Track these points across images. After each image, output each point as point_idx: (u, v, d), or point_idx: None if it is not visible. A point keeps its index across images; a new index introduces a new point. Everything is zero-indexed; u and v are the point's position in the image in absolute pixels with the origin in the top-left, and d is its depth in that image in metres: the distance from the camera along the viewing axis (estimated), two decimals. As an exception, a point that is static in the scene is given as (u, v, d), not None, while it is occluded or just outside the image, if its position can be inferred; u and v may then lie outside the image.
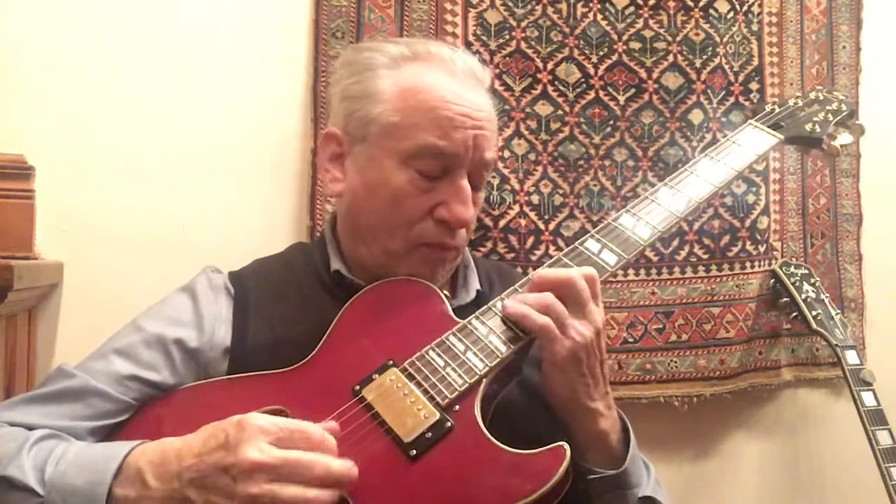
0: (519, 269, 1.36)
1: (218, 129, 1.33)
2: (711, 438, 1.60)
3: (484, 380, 0.83)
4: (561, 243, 1.43)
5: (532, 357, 0.90)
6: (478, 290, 1.02)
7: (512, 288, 0.91)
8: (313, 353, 0.88)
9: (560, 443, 0.77)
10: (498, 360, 0.84)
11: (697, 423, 1.55)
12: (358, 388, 0.83)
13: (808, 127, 1.21)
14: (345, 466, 0.70)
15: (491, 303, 0.90)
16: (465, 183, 0.94)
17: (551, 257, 1.28)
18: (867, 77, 1.67)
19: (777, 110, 1.24)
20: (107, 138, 1.29)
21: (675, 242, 1.49)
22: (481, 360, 0.84)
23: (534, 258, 1.42)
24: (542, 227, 1.43)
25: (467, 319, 0.88)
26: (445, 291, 0.94)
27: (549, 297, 0.84)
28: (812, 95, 1.28)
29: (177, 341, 0.90)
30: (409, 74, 0.95)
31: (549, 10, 1.45)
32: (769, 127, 1.17)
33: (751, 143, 1.13)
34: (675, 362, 1.48)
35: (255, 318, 0.93)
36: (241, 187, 1.34)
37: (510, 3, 1.43)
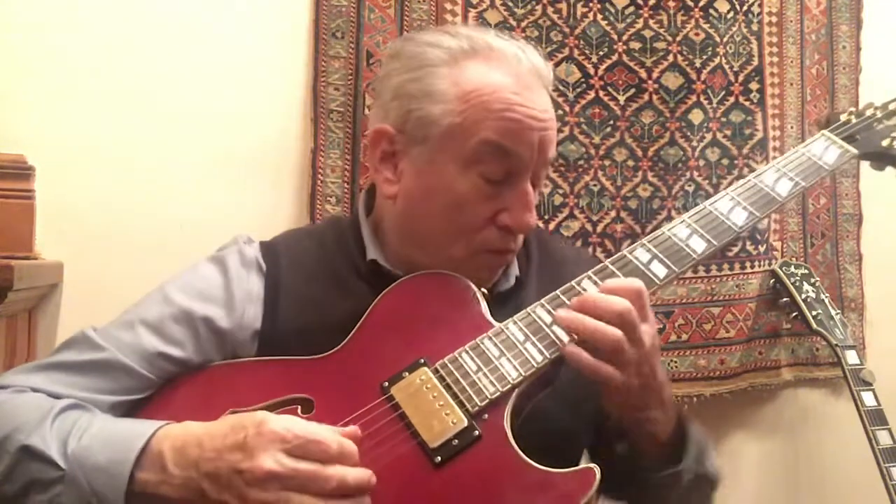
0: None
1: (218, 128, 1.33)
2: (711, 438, 1.59)
3: (516, 389, 0.80)
4: (561, 243, 1.43)
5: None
6: (517, 277, 0.97)
7: (552, 294, 0.86)
8: (344, 342, 0.86)
9: (590, 465, 0.75)
10: (533, 370, 0.80)
11: (697, 423, 1.54)
12: (386, 384, 0.81)
13: (885, 142, 1.10)
14: (361, 478, 0.69)
15: (530, 308, 0.85)
16: (529, 187, 0.89)
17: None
18: (867, 77, 1.67)
19: (853, 121, 1.12)
20: (107, 138, 1.29)
21: (675, 242, 1.49)
22: (515, 367, 0.80)
23: (534, 258, 1.41)
24: (542, 227, 1.43)
25: (504, 323, 0.84)
26: (484, 289, 0.90)
27: (617, 334, 0.78)
28: (892, 107, 1.15)
29: (205, 319, 0.87)
30: (470, 73, 0.89)
31: (549, 10, 1.45)
32: (843, 139, 1.07)
33: (822, 155, 1.04)
34: (675, 362, 1.48)
35: (287, 300, 0.90)
36: (241, 187, 1.34)
37: (510, 3, 1.43)
